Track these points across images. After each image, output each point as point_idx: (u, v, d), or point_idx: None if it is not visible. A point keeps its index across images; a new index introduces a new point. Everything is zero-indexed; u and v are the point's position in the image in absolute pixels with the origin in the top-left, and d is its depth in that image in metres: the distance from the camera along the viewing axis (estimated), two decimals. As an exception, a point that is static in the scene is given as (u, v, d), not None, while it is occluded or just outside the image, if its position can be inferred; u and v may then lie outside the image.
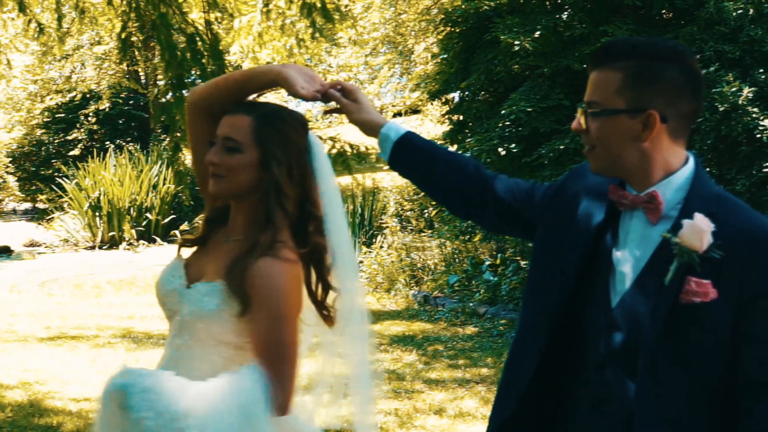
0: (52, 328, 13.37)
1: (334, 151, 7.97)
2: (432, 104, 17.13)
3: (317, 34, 8.51)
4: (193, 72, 7.36)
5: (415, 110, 25.06)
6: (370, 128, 3.49)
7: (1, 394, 9.61)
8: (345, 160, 8.08)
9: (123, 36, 7.55)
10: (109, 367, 10.76)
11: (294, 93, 3.38)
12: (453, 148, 14.06)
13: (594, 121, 3.02)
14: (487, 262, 15.10)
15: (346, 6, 20.26)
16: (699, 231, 2.87)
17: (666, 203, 2.99)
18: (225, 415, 3.17)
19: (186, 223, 24.91)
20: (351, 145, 8.41)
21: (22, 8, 8.83)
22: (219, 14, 8.43)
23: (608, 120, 2.99)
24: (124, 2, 7.69)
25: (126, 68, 26.43)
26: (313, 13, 7.90)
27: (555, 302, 3.13)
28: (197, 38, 7.08)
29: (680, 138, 3.03)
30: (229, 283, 3.33)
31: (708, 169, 10.82)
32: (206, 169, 3.44)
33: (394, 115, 24.11)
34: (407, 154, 3.44)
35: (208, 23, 7.72)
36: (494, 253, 15.56)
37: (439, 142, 14.21)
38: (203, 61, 7.13)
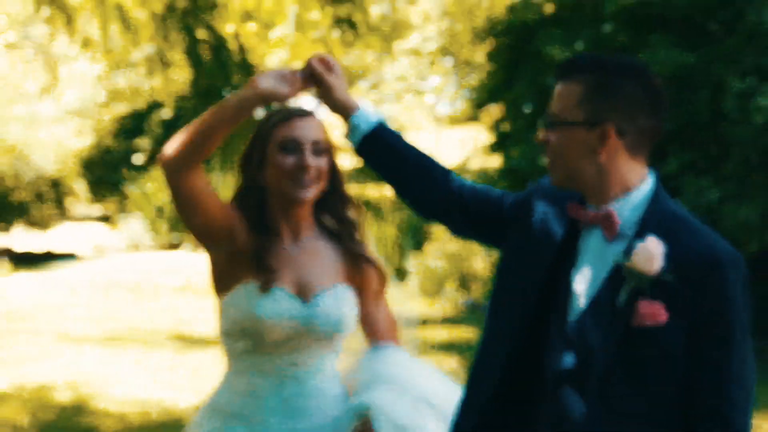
0: (106, 330, 13.49)
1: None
2: (481, 115, 17.06)
3: (348, 46, 8.53)
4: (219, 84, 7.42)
5: (472, 119, 24.99)
6: (342, 110, 3.40)
7: (48, 394, 9.71)
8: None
9: (156, 49, 7.62)
10: (156, 371, 10.88)
11: (281, 99, 3.34)
12: (498, 159, 14.02)
13: (553, 133, 2.98)
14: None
15: (397, 18, 20.27)
16: (650, 255, 2.81)
17: (623, 222, 2.93)
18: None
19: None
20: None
21: (70, 21, 8.95)
22: (254, 25, 8.46)
23: (566, 132, 2.95)
24: (159, 16, 7.75)
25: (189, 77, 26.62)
26: (343, 25, 7.93)
27: (517, 317, 3.08)
28: (223, 50, 7.10)
29: (639, 154, 2.97)
30: (351, 282, 3.52)
31: (747, 180, 10.65)
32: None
33: (450, 124, 24.03)
34: (375, 150, 3.38)
35: (236, 35, 7.74)
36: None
37: (485, 153, 14.21)
38: (230, 72, 7.16)
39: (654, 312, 2.80)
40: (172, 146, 3.27)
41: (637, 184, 2.96)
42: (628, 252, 2.87)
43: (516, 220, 3.22)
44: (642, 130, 2.94)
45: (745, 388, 2.85)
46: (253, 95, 3.26)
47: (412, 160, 3.36)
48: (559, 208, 3.10)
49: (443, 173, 3.37)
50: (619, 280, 2.88)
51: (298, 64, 10.73)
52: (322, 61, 3.41)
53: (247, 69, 7.24)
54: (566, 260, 3.04)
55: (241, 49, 7.39)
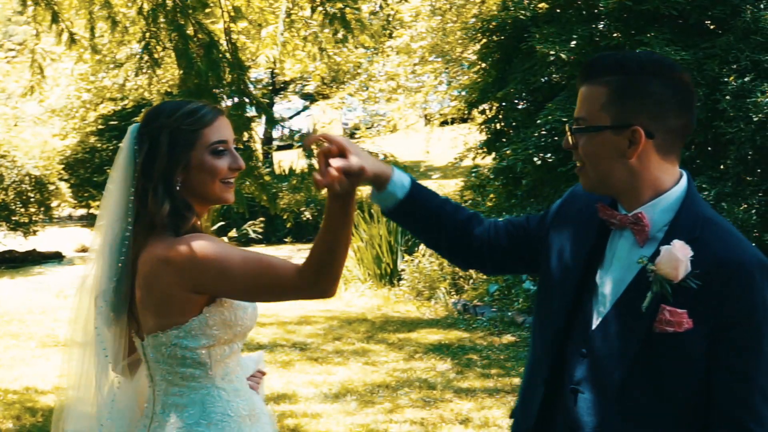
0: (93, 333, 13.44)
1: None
2: (473, 113, 17.06)
3: (339, 44, 8.51)
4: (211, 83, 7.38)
5: (464, 119, 24.99)
6: (377, 182, 3.19)
7: (35, 398, 9.68)
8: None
9: (143, 46, 7.62)
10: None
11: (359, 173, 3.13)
12: (490, 157, 14.01)
13: (581, 138, 2.94)
14: (526, 271, 14.99)
15: (389, 15, 20.25)
16: (675, 260, 2.77)
17: (653, 225, 2.89)
18: None
19: (235, 229, 25.03)
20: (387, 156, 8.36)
21: (56, 19, 8.92)
22: (246, 24, 8.44)
23: (594, 137, 2.91)
24: (147, 13, 7.73)
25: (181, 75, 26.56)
26: (335, 23, 7.91)
27: (555, 330, 3.06)
28: (214, 49, 7.09)
29: (671, 154, 2.93)
30: None
31: (744, 178, 10.67)
32: None
33: (441, 124, 24.01)
34: (410, 212, 3.25)
35: (227, 32, 7.72)
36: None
37: (478, 151, 14.19)
38: (222, 70, 7.14)
39: (677, 319, 2.77)
40: (311, 279, 3.18)
41: (670, 186, 2.92)
42: (654, 256, 2.83)
43: (549, 233, 3.19)
44: (672, 130, 2.90)
45: None
46: (347, 195, 3.08)
47: (443, 215, 3.28)
48: (589, 214, 3.06)
49: (470, 218, 3.33)
50: (644, 285, 2.84)
51: (290, 63, 10.82)
52: (327, 140, 3.07)
53: (239, 68, 7.24)
54: (595, 263, 3.02)
55: (233, 48, 7.39)
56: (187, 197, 3.39)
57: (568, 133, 2.97)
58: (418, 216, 3.26)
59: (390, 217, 3.29)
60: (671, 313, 2.77)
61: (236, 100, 8.09)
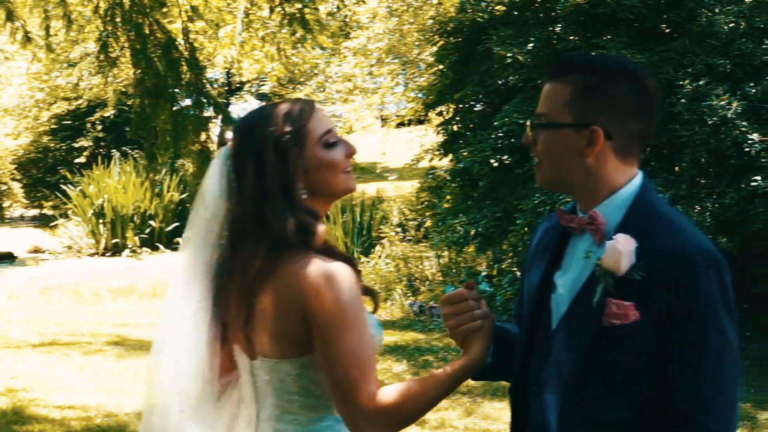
0: (46, 334, 13.39)
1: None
2: (430, 115, 17.14)
3: (298, 45, 8.52)
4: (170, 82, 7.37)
5: (420, 120, 25.03)
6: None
7: (-13, 400, 9.63)
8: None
9: (100, 46, 7.60)
10: (98, 375, 10.81)
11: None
12: (447, 159, 14.07)
13: (541, 134, 2.97)
14: (484, 273, 15.09)
15: (346, 16, 20.28)
16: (617, 253, 2.79)
17: (608, 223, 2.91)
18: None
19: (190, 230, 24.91)
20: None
21: (11, 17, 8.86)
22: (203, 24, 8.44)
23: (554, 133, 2.94)
24: (104, 12, 7.71)
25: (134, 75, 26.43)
26: (294, 23, 7.93)
27: (522, 338, 3.10)
28: (173, 48, 7.08)
29: (629, 157, 2.95)
30: None
31: (698, 181, 10.80)
32: None
33: (398, 125, 24.04)
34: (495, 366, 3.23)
35: (185, 32, 7.71)
36: (491, 263, 15.54)
37: (435, 152, 14.23)
38: (180, 70, 7.13)
39: (623, 311, 2.79)
40: (382, 422, 3.03)
41: (623, 185, 2.95)
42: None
43: (524, 274, 3.22)
44: (631, 134, 2.94)
45: (722, 392, 2.80)
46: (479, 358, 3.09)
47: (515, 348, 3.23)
48: (554, 226, 3.11)
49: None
50: (596, 282, 2.87)
51: (248, 63, 10.76)
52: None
53: (197, 67, 7.24)
54: (554, 268, 3.05)
55: (191, 47, 7.38)
56: (312, 202, 3.16)
57: (529, 129, 3.01)
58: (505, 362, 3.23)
59: (478, 378, 3.25)
60: (617, 305, 2.79)
61: (194, 100, 8.10)
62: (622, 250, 2.80)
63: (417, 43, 22.84)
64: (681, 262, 2.78)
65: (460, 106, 13.37)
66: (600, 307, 2.83)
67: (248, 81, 31.88)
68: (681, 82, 10.64)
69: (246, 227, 3.14)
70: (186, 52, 7.37)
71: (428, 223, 16.78)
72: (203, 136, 8.46)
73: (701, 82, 10.58)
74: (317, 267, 3.04)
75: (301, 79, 27.47)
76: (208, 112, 8.75)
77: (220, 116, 9.04)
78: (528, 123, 3.02)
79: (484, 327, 3.13)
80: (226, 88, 33.07)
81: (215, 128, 17.53)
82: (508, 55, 11.61)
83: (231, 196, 3.20)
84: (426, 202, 16.49)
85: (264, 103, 3.32)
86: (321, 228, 3.15)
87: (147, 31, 7.16)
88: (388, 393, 3.03)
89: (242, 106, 37.63)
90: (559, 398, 2.91)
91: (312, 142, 3.16)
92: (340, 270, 3.04)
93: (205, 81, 8.00)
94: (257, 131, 3.17)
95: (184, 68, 7.33)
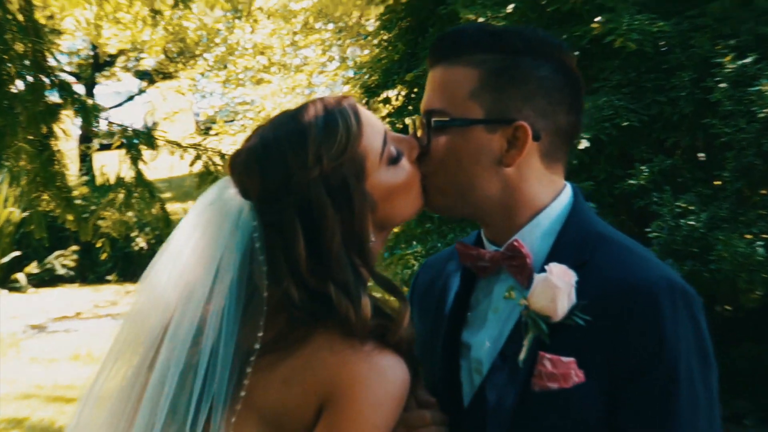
0: None
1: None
2: (374, 102, 17.18)
3: (179, 5, 8.45)
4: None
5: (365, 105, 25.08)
6: None
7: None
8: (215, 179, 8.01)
9: None
10: None
11: None
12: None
13: (437, 137, 2.89)
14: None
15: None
16: (552, 289, 2.72)
17: (534, 255, 2.86)
18: None
19: (36, 263, 24.73)
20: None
21: None
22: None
23: (458, 134, 2.88)
24: None
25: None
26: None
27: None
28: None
29: (556, 162, 2.95)
30: None
31: (747, 197, 10.70)
32: None
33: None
34: None
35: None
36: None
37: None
38: (13, 38, 6.98)
39: (562, 371, 2.73)
40: None
41: (549, 201, 2.91)
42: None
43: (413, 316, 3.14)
44: (560, 130, 2.93)
45: None
46: None
47: None
48: (451, 268, 3.10)
49: None
50: (523, 332, 2.82)
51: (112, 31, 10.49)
52: None
53: (35, 34, 7.04)
54: (461, 326, 3.03)
55: (27, 6, 7.15)
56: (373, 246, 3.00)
57: (419, 131, 2.94)
58: None
59: None
60: (553, 362, 2.75)
61: (31, 79, 7.96)
62: (559, 285, 2.72)
63: (357, 3, 22.87)
64: (638, 297, 2.74)
65: (415, 90, 13.26)
66: (528, 367, 2.77)
67: (122, 53, 31.75)
68: (720, 60, 10.52)
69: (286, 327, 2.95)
70: (19, 14, 7.20)
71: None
72: (44, 130, 8.38)
73: (748, 60, 10.44)
74: (365, 353, 2.86)
75: (196, 52, 27.40)
76: (53, 98, 8.65)
77: (72, 104, 8.90)
78: (414, 122, 2.97)
79: None
80: (91, 62, 32.90)
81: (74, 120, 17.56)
82: (480, 19, 11.50)
83: (256, 281, 2.96)
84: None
85: (280, 113, 3.14)
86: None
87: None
88: None
89: (114, 88, 37.52)
90: None
91: (373, 164, 2.97)
92: (393, 366, 2.88)
93: (46, 52, 7.86)
94: (295, 169, 2.94)
95: (17, 35, 7.18)
